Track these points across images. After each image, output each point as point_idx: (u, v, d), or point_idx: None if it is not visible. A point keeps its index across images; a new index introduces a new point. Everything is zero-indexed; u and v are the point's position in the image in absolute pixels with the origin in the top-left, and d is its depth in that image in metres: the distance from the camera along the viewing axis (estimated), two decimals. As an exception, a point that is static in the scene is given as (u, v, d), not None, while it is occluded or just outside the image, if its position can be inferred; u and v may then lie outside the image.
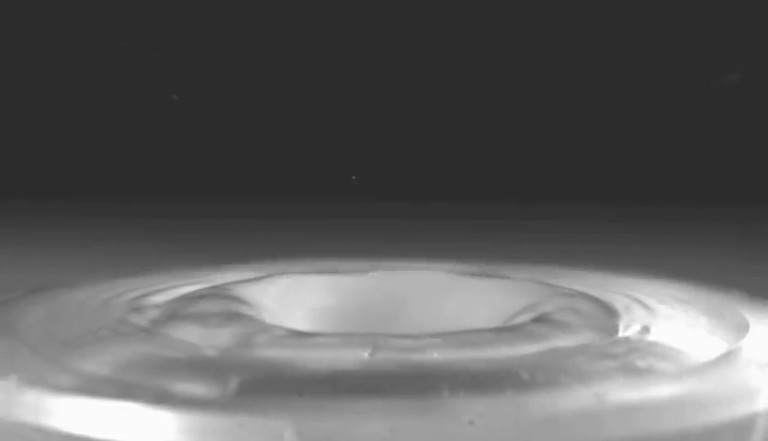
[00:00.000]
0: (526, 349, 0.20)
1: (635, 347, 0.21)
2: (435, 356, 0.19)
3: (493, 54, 0.57)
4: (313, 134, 0.56)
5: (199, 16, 0.57)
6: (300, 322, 0.25)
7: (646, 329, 0.22)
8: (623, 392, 0.18)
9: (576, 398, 0.17)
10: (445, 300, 0.27)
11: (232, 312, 0.23)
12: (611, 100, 0.57)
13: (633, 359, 0.20)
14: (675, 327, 0.23)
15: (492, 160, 0.57)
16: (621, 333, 0.22)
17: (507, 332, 0.21)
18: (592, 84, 0.57)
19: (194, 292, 0.25)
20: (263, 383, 0.18)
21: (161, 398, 0.17)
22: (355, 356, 0.19)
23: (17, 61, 0.57)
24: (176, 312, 0.22)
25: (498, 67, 0.57)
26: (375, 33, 0.56)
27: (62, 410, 0.18)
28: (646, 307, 0.24)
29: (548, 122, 0.58)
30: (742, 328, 0.22)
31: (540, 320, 0.22)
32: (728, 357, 0.20)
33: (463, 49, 0.56)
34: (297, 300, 0.26)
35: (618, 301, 0.24)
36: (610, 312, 0.23)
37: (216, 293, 0.24)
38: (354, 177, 0.32)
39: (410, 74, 0.56)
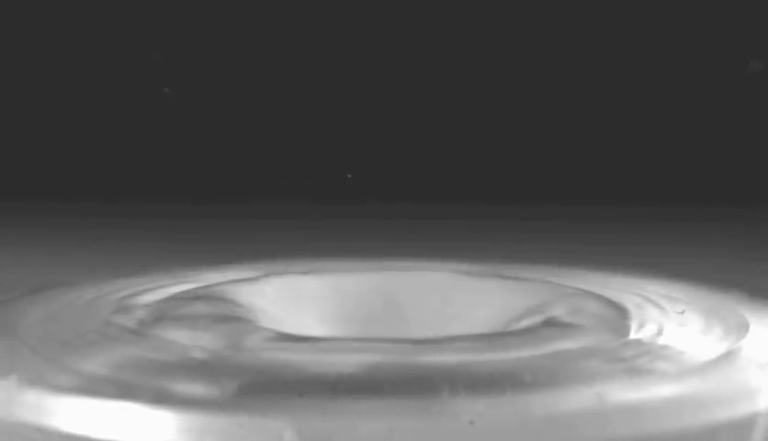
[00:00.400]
0: (531, 351, 0.20)
1: (635, 347, 0.21)
2: (439, 358, 0.19)
3: (494, 54, 0.57)
4: (313, 134, 0.56)
5: (199, 16, 0.57)
6: (297, 324, 0.25)
7: (648, 329, 0.22)
8: (623, 392, 0.18)
9: (577, 398, 0.17)
10: (451, 301, 0.27)
11: (228, 315, 0.23)
12: (611, 100, 0.57)
13: (633, 359, 0.20)
14: (675, 327, 0.23)
15: (492, 160, 0.57)
16: (622, 334, 0.22)
17: (514, 336, 0.21)
18: (592, 84, 0.57)
19: (188, 292, 0.25)
20: (262, 383, 0.18)
21: (161, 398, 0.17)
22: (356, 360, 0.19)
23: (17, 61, 0.57)
24: (170, 314, 0.22)
25: (498, 67, 0.57)
26: (375, 33, 0.56)
27: (62, 410, 0.18)
28: (646, 306, 0.24)
29: (548, 122, 0.58)
30: (742, 328, 0.22)
31: (549, 323, 0.22)
32: (728, 357, 0.20)
33: (463, 49, 0.56)
34: (291, 301, 0.26)
35: (619, 301, 0.24)
36: (618, 313, 0.23)
37: (211, 294, 0.24)
38: (349, 176, 0.32)
39: (410, 74, 0.56)
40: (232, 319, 0.22)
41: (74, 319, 0.23)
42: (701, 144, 0.57)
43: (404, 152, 0.56)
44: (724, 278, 0.26)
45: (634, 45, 0.57)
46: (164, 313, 0.22)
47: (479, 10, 0.56)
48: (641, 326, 0.22)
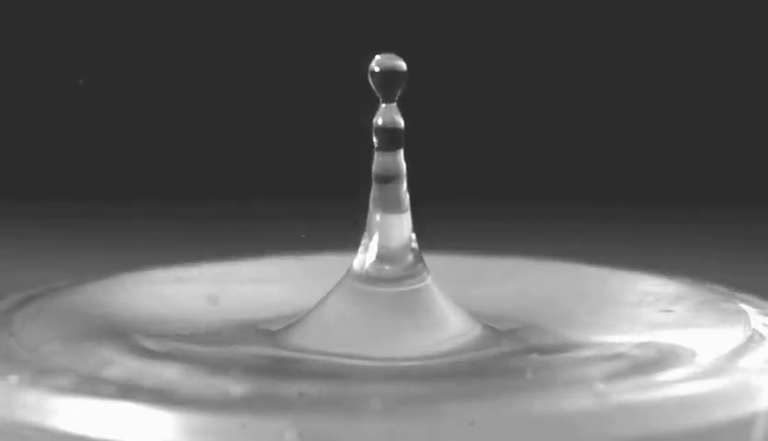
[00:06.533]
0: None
1: (635, 347, 0.21)
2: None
3: (496, 55, 0.57)
4: (313, 134, 0.56)
5: (200, 15, 0.57)
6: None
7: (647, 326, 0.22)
8: (624, 392, 0.18)
9: (577, 398, 0.17)
10: None
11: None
12: (615, 101, 0.57)
13: (633, 358, 0.20)
14: (675, 327, 0.23)
15: (490, 159, 0.57)
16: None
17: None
18: (592, 84, 0.57)
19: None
20: (262, 383, 0.18)
21: (161, 398, 0.17)
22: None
23: (18, 61, 0.57)
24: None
25: (501, 67, 0.57)
26: (377, 33, 0.56)
27: (62, 410, 0.18)
28: (645, 305, 0.24)
29: (547, 122, 0.58)
30: (742, 327, 0.22)
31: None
32: (728, 357, 0.20)
33: (465, 49, 0.57)
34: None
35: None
36: None
37: None
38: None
39: (410, 74, 0.56)
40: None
41: (80, 319, 0.23)
42: (701, 145, 0.57)
43: (404, 152, 0.56)
44: (723, 278, 0.26)
45: (635, 46, 0.57)
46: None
47: (479, 10, 0.56)
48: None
